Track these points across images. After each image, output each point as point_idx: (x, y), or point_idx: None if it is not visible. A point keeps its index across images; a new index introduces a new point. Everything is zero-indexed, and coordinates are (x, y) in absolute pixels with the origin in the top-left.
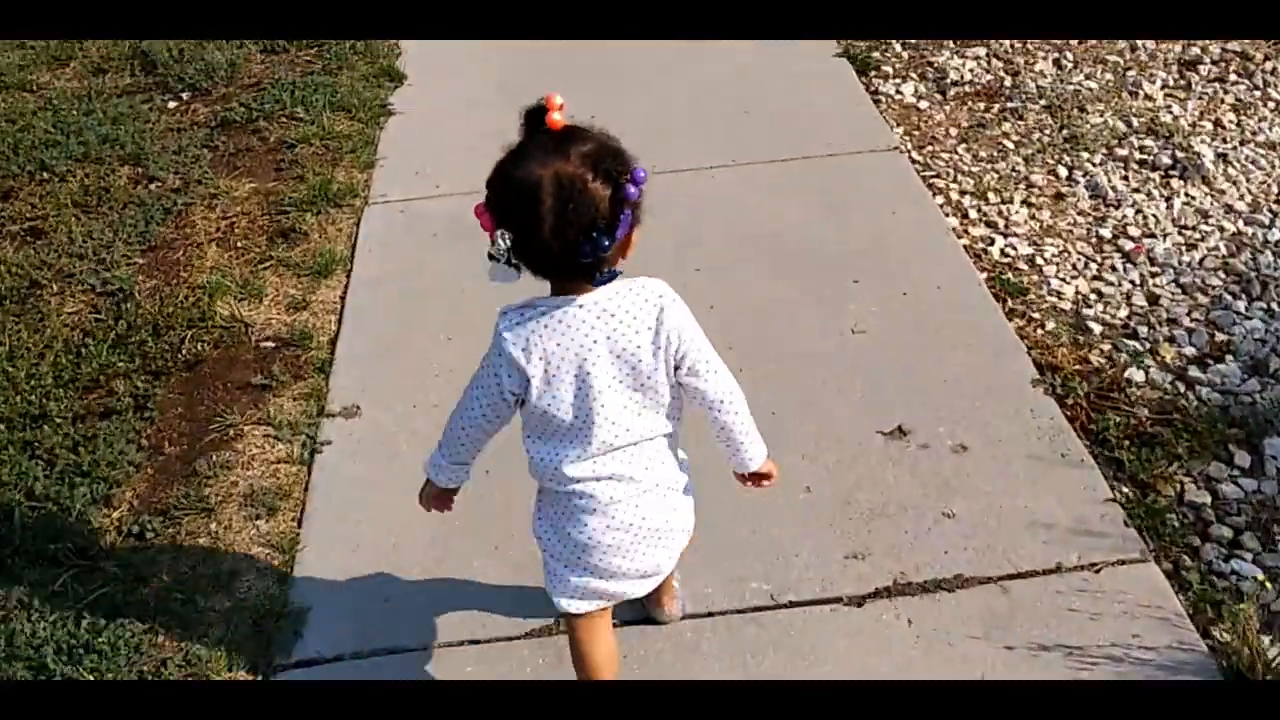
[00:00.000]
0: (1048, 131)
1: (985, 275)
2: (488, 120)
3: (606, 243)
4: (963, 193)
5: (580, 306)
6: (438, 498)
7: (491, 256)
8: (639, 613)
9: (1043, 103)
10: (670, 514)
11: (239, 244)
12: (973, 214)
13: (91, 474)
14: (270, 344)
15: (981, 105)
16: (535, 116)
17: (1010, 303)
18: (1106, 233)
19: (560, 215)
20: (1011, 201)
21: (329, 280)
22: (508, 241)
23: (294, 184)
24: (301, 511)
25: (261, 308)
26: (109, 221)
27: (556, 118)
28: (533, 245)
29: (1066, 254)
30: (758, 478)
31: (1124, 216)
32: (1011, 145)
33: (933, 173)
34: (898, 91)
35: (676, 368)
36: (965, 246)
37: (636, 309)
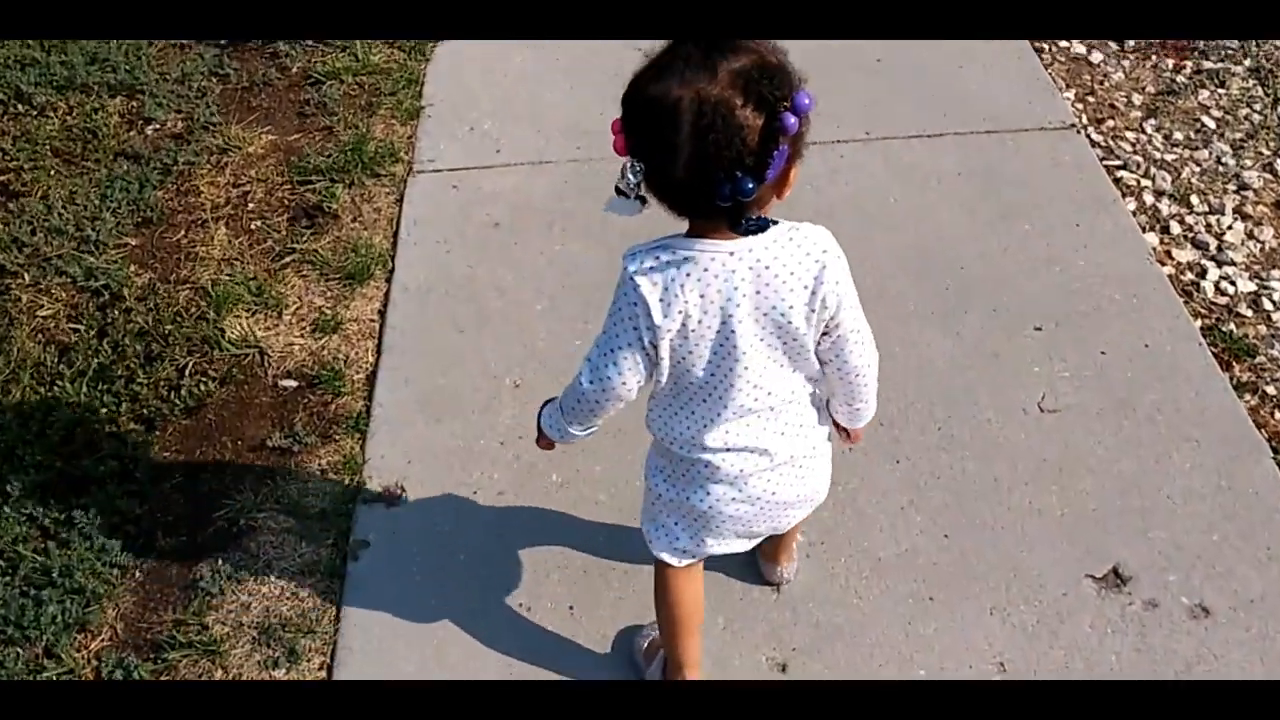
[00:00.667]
0: (1258, 107)
1: (1200, 323)
2: (561, 53)
3: (750, 184)
4: (1159, 194)
5: (731, 254)
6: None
7: (619, 190)
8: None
9: (1247, 63)
10: (802, 486)
11: (253, 224)
12: (1174, 227)
13: (63, 583)
14: (291, 383)
15: (1170, 62)
16: None
17: (1236, 368)
18: None
19: (699, 147)
20: (1222, 210)
21: (364, 287)
22: (638, 174)
23: (321, 139)
24: (331, 656)
25: (281, 327)
26: (95, 180)
27: None
28: (666, 180)
29: None
30: (857, 433)
31: None
32: (1213, 124)
33: (1117, 160)
34: (1065, 39)
35: (824, 332)
36: (1170, 277)
37: (795, 264)
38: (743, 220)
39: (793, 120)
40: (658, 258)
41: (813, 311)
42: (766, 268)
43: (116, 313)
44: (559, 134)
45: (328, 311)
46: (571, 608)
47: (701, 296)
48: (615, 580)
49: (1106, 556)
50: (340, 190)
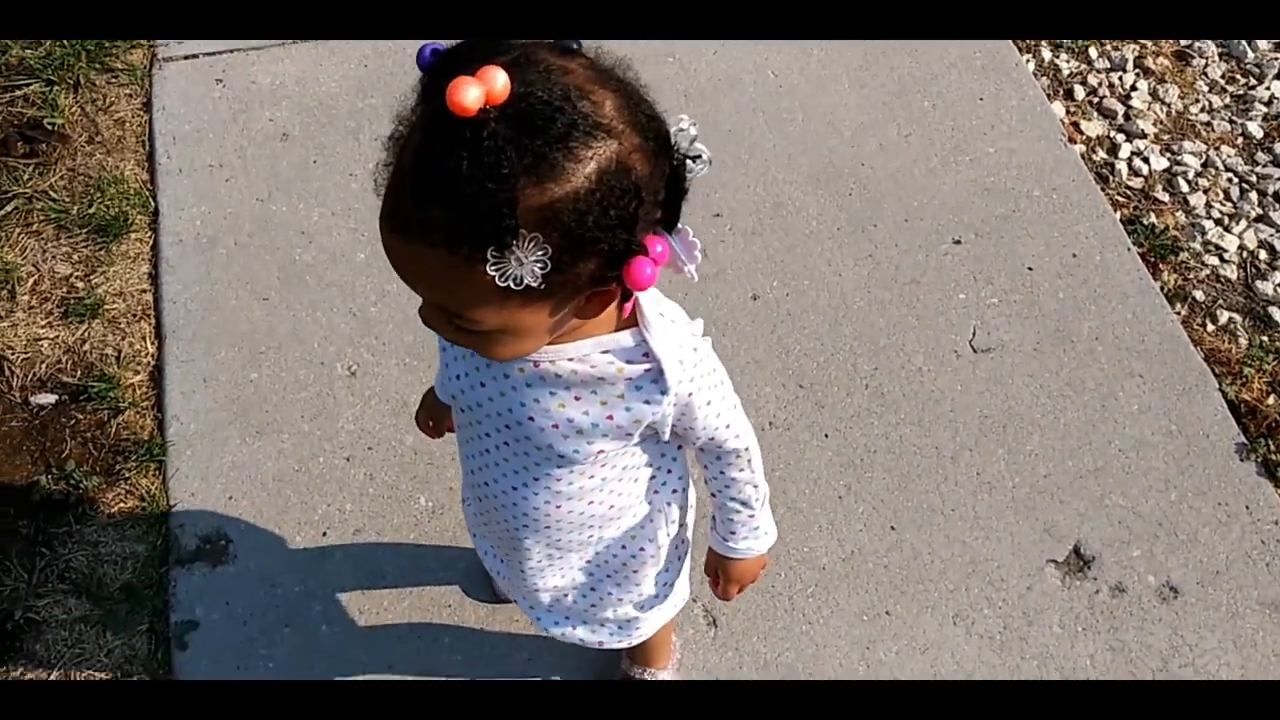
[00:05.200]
0: None
1: (1120, 215)
2: None
3: None
4: (1057, 47)
5: None
6: None
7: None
8: None
9: None
10: None
11: None
12: (1078, 91)
13: None
14: (48, 398)
15: None
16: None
17: (1164, 271)
18: (1256, 129)
19: None
20: (1124, 67)
21: (123, 242)
22: None
23: None
24: None
25: (18, 314)
26: None
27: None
28: None
29: (1213, 169)
30: None
31: (1274, 96)
32: None
33: None
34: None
35: None
36: (1083, 156)
37: None
38: None
39: None
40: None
41: None
42: None
43: None
44: None
45: (79, 285)
46: (473, 681)
47: None
48: (523, 637)
49: (1066, 534)
50: (63, 96)
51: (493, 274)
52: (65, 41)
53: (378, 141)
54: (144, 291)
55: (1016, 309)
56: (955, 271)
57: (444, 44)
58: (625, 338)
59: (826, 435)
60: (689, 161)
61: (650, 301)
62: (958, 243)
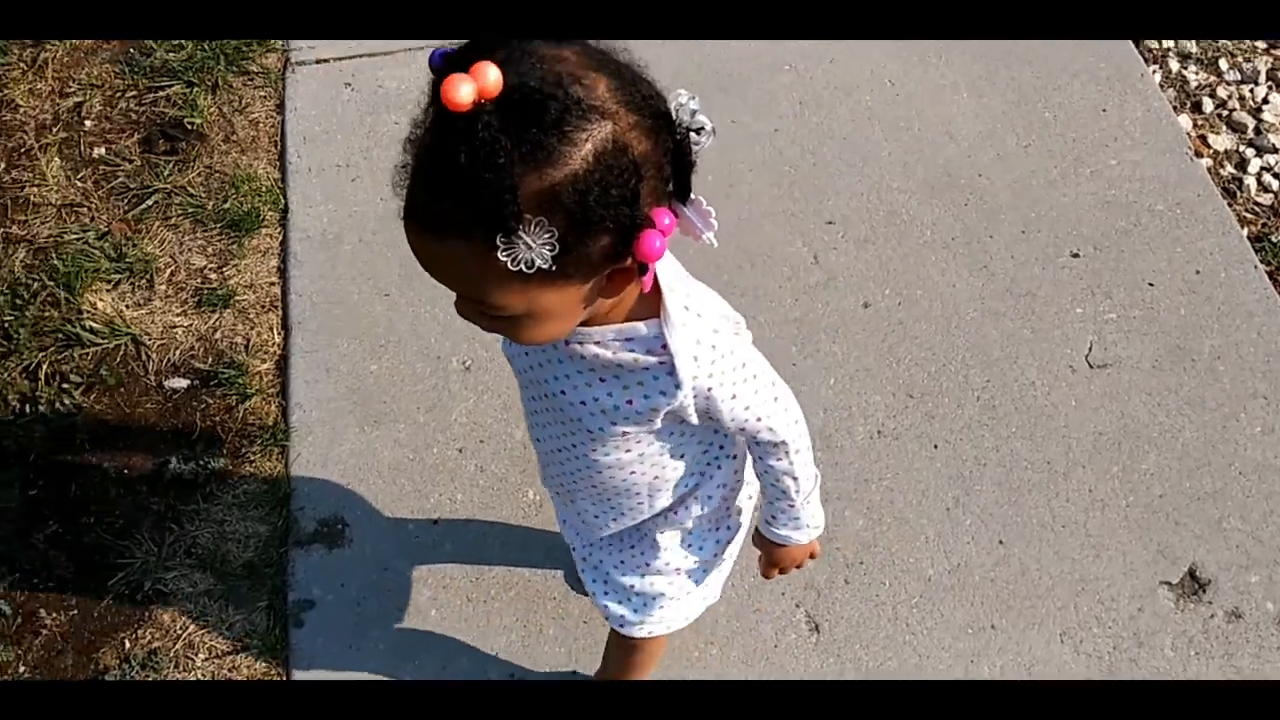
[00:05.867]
0: None
1: (1248, 232)
2: None
3: None
4: (1184, 57)
5: None
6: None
7: None
8: None
9: None
10: None
11: (95, 151)
12: (1207, 103)
13: None
14: (181, 382)
15: None
16: None
17: None
18: None
19: None
20: (1256, 79)
21: (255, 237)
22: None
23: None
24: None
25: (155, 303)
26: None
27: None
28: None
29: None
30: None
31: None
32: None
33: None
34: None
35: None
36: (1210, 171)
37: None
38: None
39: None
40: None
41: None
42: None
43: None
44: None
45: (213, 276)
46: (575, 673)
47: None
48: None
49: (1180, 556)
50: (202, 98)
51: (504, 259)
52: (206, 45)
53: None
54: (272, 284)
55: (1135, 325)
56: (1072, 285)
57: (453, 45)
58: (644, 328)
59: (936, 446)
60: (692, 134)
61: (678, 293)
62: (1076, 256)
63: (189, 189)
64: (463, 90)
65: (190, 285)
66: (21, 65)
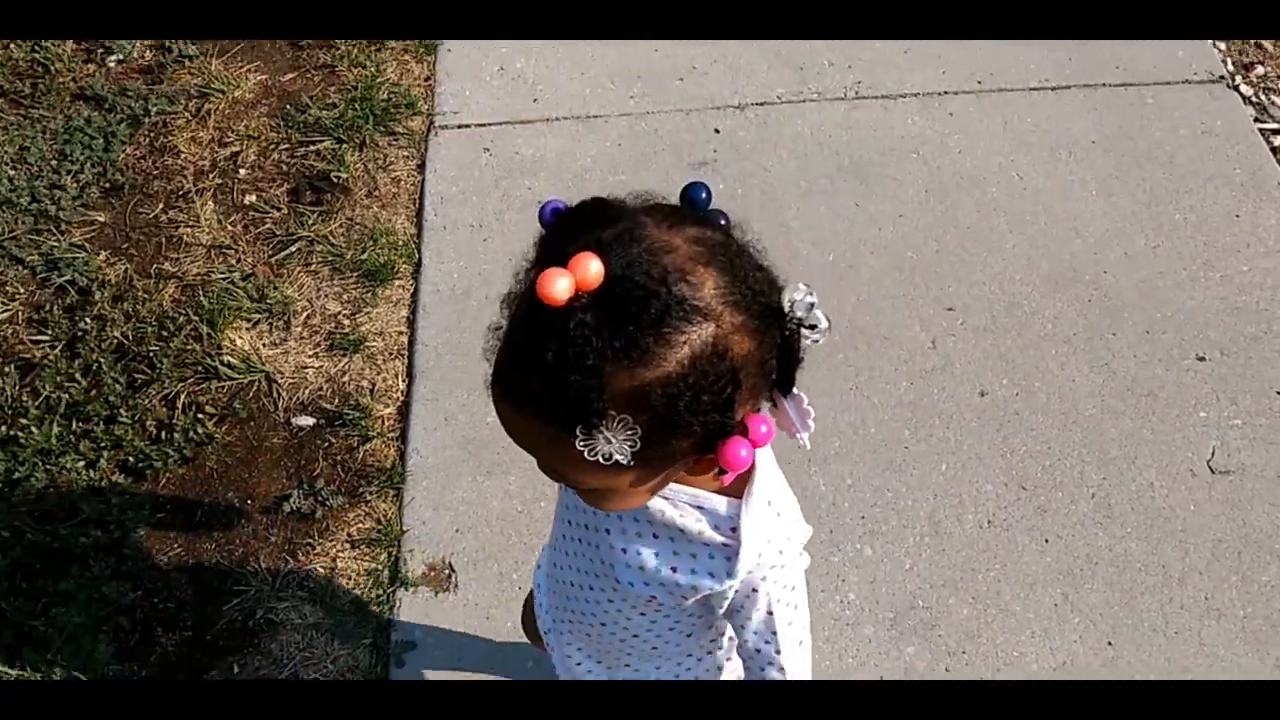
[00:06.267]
0: None
1: None
2: None
3: None
4: None
5: None
6: None
7: None
8: None
9: None
10: None
11: (247, 198)
12: None
13: None
14: (308, 420)
15: None
16: None
17: None
18: None
19: None
20: None
21: (388, 287)
22: None
23: (321, 81)
24: None
25: (290, 343)
26: (50, 131)
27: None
28: None
29: None
30: None
31: None
32: None
33: (1273, 123)
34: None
35: None
36: None
37: None
38: None
39: None
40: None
41: None
42: None
43: (88, 320)
44: (607, 78)
45: (345, 322)
46: None
47: None
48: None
49: None
50: (349, 154)
51: (582, 449)
52: (356, 105)
53: None
54: (401, 333)
55: (1261, 433)
56: (1197, 389)
57: (563, 204)
58: (723, 504)
59: (1046, 540)
60: (804, 330)
61: (767, 484)
62: (1201, 359)
63: (330, 238)
64: (559, 286)
65: (324, 329)
66: (186, 114)
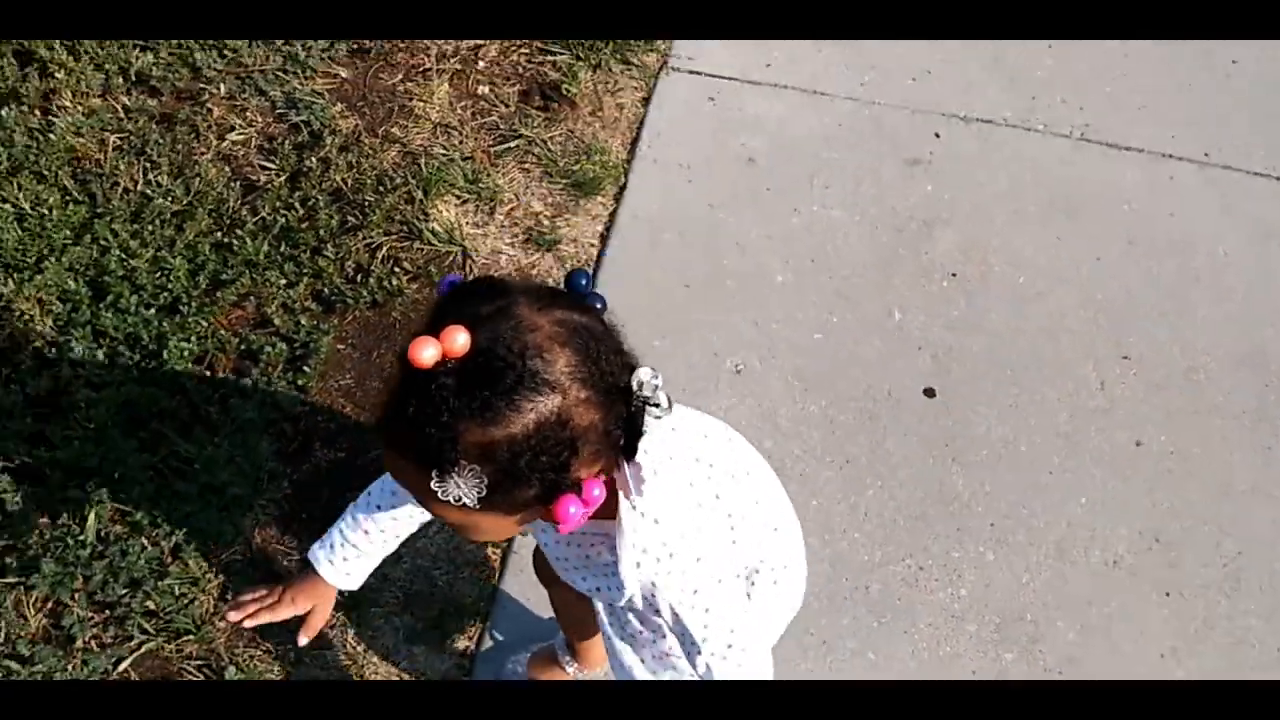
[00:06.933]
0: None
1: None
2: None
3: None
4: None
5: None
6: None
7: None
8: None
9: None
10: None
11: (480, 89)
12: None
13: (203, 479)
14: None
15: None
16: None
17: None
18: None
19: None
20: None
21: (590, 201)
22: None
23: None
24: (477, 642)
25: (491, 228)
26: None
27: None
28: None
29: None
30: None
31: None
32: None
33: None
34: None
35: None
36: None
37: None
38: None
39: None
40: None
41: None
42: None
43: (314, 161)
44: (842, 61)
45: (545, 222)
46: None
47: None
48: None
49: None
50: (583, 72)
51: (436, 489)
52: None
53: (829, 190)
54: (592, 244)
55: None
56: None
57: (459, 278)
58: (612, 527)
59: (1168, 594)
60: (649, 407)
61: (653, 501)
62: None
63: (549, 143)
64: (425, 354)
65: (524, 223)
66: None
